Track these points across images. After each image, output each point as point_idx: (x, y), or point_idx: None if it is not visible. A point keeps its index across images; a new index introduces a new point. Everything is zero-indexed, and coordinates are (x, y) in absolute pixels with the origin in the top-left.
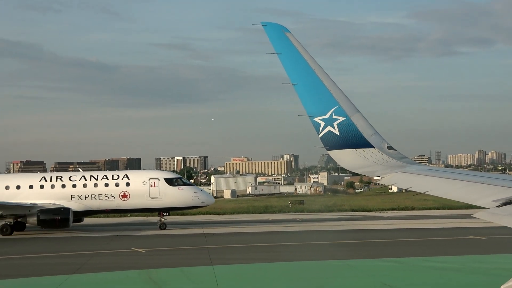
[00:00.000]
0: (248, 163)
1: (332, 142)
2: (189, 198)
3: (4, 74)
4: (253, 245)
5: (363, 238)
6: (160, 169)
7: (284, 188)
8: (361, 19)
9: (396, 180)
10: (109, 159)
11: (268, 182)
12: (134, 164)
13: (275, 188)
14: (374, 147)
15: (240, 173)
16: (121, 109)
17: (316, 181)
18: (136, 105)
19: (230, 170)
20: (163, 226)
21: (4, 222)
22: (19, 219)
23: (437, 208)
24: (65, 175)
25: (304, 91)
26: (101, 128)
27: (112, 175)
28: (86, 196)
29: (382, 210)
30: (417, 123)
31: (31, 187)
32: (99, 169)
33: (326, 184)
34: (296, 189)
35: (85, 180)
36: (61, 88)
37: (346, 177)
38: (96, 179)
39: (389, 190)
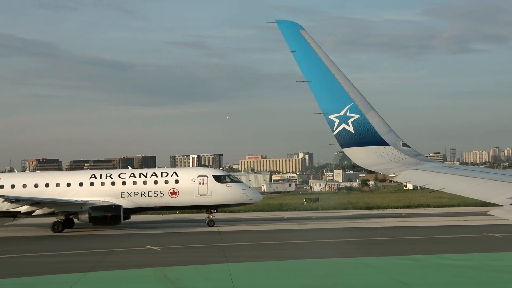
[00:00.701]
0: (263, 160)
1: (347, 140)
2: (238, 195)
3: (20, 72)
4: (268, 243)
5: (378, 236)
6: (175, 167)
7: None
8: (376, 17)
9: (411, 177)
10: (124, 157)
11: (283, 180)
12: (149, 162)
13: (290, 186)
14: (389, 145)
15: (255, 171)
16: (136, 107)
17: (331, 179)
18: (151, 103)
19: (244, 168)
20: (211, 223)
21: (55, 219)
22: (70, 216)
23: (453, 206)
24: (115, 173)
25: (319, 88)
26: (116, 126)
27: (161, 173)
28: (136, 193)
29: (397, 208)
30: (432, 121)
31: (81, 184)
32: (114, 167)
33: (341, 181)
34: (311, 186)
35: (135, 177)
36: (76, 86)
37: (361, 175)
38: (146, 177)
39: (404, 188)
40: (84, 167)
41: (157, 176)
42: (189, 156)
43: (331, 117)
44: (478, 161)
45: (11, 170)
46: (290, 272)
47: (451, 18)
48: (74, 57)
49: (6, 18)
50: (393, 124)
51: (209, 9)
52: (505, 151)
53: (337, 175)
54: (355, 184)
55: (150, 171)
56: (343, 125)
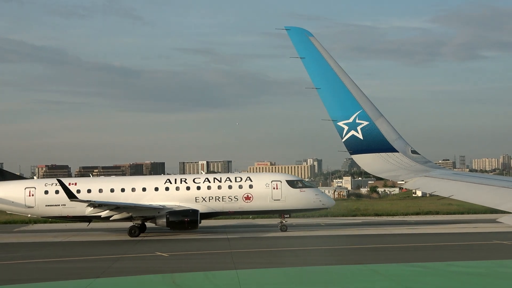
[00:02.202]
0: (272, 167)
1: (356, 146)
2: (311, 200)
3: (29, 78)
4: (276, 249)
5: (387, 243)
6: (184, 173)
7: None
8: (385, 24)
9: (420, 184)
10: (133, 163)
11: None
12: (158, 168)
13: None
14: (398, 152)
15: None
16: (144, 113)
17: (340, 186)
18: (159, 109)
19: None
20: (284, 228)
21: (132, 224)
22: (148, 221)
23: (462, 213)
24: (189, 177)
25: (328, 95)
26: (125, 132)
27: (235, 177)
28: (210, 198)
29: (406, 215)
30: (441, 128)
31: (156, 189)
32: (123, 174)
33: (349, 188)
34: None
35: (209, 182)
36: (85, 93)
37: (370, 182)
38: (220, 181)
39: (413, 195)
40: (93, 173)
41: (231, 181)
42: (198, 162)
43: (340, 123)
44: (487, 168)
45: (21, 176)
46: (298, 279)
47: (460, 25)
48: (83, 63)
49: (17, 24)
50: (402, 131)
51: (218, 15)
52: None
53: (346, 181)
54: (364, 190)
55: (224, 176)
56: (352, 132)
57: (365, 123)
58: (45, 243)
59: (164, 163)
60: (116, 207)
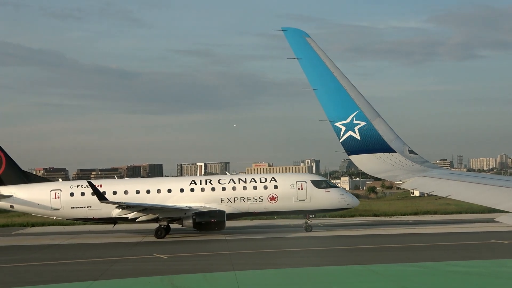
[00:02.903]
0: (269, 168)
1: (353, 147)
2: (336, 200)
3: (26, 81)
4: (274, 251)
5: (385, 243)
6: (182, 175)
7: None
8: (382, 24)
9: (418, 184)
10: (131, 165)
11: None
12: (155, 170)
13: None
14: (395, 152)
15: None
16: (142, 115)
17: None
18: (157, 111)
19: None
20: (309, 228)
21: (158, 225)
22: (174, 222)
23: (460, 212)
24: (214, 178)
25: (325, 96)
26: (122, 134)
27: (260, 178)
28: (235, 199)
29: (404, 215)
30: (438, 127)
31: (181, 190)
32: (121, 176)
33: (347, 189)
34: None
35: (234, 183)
36: (83, 95)
37: (367, 182)
38: (245, 182)
39: (411, 195)
40: (91, 176)
41: (256, 182)
42: (195, 164)
43: (338, 124)
44: (485, 168)
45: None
46: (296, 280)
47: (457, 24)
48: (80, 66)
49: (13, 27)
50: (399, 131)
51: (215, 17)
52: None
53: (344, 182)
54: (361, 191)
55: (248, 176)
56: (350, 132)
57: (363, 123)
58: (43, 246)
59: (161, 165)
60: (144, 208)
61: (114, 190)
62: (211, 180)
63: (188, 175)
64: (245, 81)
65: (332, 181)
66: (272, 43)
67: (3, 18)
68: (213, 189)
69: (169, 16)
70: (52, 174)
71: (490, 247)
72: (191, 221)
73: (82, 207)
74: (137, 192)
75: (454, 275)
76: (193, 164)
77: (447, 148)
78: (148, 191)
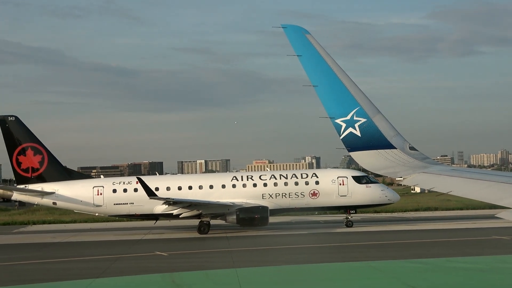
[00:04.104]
0: (270, 165)
1: (354, 144)
2: (377, 195)
3: (26, 80)
4: (275, 248)
5: (386, 239)
6: (182, 173)
7: None
8: (382, 20)
9: (419, 180)
10: (131, 163)
11: None
12: (156, 168)
13: None
14: (396, 148)
15: None
16: (142, 113)
17: None
18: (157, 109)
19: None
20: (350, 224)
21: (201, 221)
22: (217, 218)
23: (460, 209)
24: (255, 174)
25: (325, 93)
26: (123, 132)
27: (301, 174)
28: (277, 194)
29: (404, 211)
30: (439, 124)
31: (223, 186)
32: (122, 174)
33: None
34: None
35: (276, 179)
36: (83, 93)
37: None
38: (286, 178)
39: (412, 191)
40: (92, 174)
41: (297, 178)
42: (196, 161)
43: (338, 121)
44: (485, 164)
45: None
46: (298, 276)
47: (457, 21)
48: (80, 64)
49: (13, 26)
50: (400, 127)
51: (214, 14)
52: None
53: None
54: None
55: (289, 172)
56: (350, 129)
57: (363, 120)
58: (44, 244)
59: (162, 162)
60: (189, 204)
61: (157, 186)
62: (252, 176)
63: (189, 172)
64: (245, 78)
65: None
66: (272, 40)
67: (3, 16)
68: (254, 185)
69: (168, 13)
70: None
71: (491, 243)
72: (234, 217)
73: (125, 204)
74: (179, 188)
75: (455, 271)
76: (193, 161)
77: (448, 144)
78: (190, 187)
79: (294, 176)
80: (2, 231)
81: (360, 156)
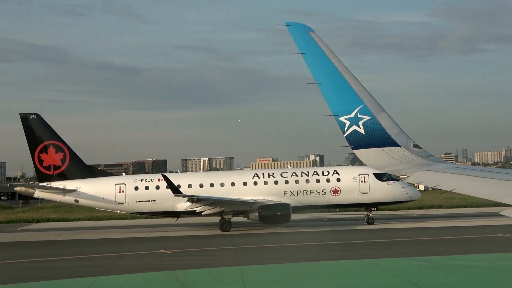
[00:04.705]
0: (274, 163)
1: (358, 141)
2: (398, 193)
3: (30, 78)
4: (279, 245)
5: (389, 237)
6: (186, 171)
7: None
8: (385, 18)
9: (423, 178)
10: (135, 161)
11: None
12: (160, 165)
13: None
14: (400, 146)
15: None
16: (145, 111)
17: None
18: (160, 107)
19: None
20: (371, 221)
21: (223, 219)
22: (240, 215)
23: (464, 206)
24: (277, 172)
25: (329, 90)
26: (126, 130)
27: (323, 171)
28: (298, 192)
29: (408, 209)
30: (443, 121)
31: (245, 183)
32: (126, 172)
33: None
34: None
35: (297, 176)
36: (86, 91)
37: None
38: (308, 175)
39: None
40: None
41: (318, 175)
42: (200, 159)
43: (342, 119)
44: (489, 162)
45: (23, 176)
46: (301, 274)
47: (460, 18)
48: (83, 62)
49: (17, 24)
50: (403, 125)
51: (217, 12)
52: None
53: None
54: None
55: (311, 170)
56: (354, 127)
57: (367, 118)
58: (48, 242)
59: (166, 160)
60: (212, 202)
61: (178, 183)
62: (273, 173)
63: (193, 170)
64: (249, 76)
65: None
66: (275, 38)
67: (6, 14)
68: (276, 182)
69: (171, 11)
70: None
71: (495, 240)
72: (257, 214)
73: (147, 201)
74: (201, 185)
75: (459, 269)
76: (197, 159)
77: (452, 142)
78: (211, 185)
79: (315, 173)
80: (7, 229)
81: (364, 154)
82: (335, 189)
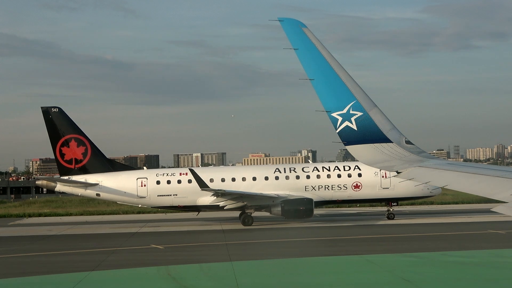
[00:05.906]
0: (266, 159)
1: (350, 137)
2: (419, 188)
3: (22, 72)
4: (271, 241)
5: (381, 233)
6: (178, 166)
7: None
8: (377, 14)
9: (415, 174)
10: (127, 156)
11: None
12: (152, 161)
13: None
14: (392, 142)
15: None
16: (138, 106)
17: None
18: (153, 102)
19: None
20: (391, 216)
21: (245, 213)
22: (262, 210)
23: (456, 203)
24: (298, 167)
25: (321, 86)
26: (119, 125)
27: (344, 166)
28: (320, 187)
29: (400, 205)
30: (435, 118)
31: (266, 178)
32: None
33: None
34: None
35: (318, 171)
36: (78, 86)
37: None
38: (329, 170)
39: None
40: None
41: (340, 170)
42: (192, 154)
43: (334, 114)
44: (481, 158)
45: (15, 170)
46: (293, 269)
47: (452, 15)
48: (75, 56)
49: (8, 18)
50: (396, 121)
51: (210, 7)
52: (509, 148)
53: None
54: None
55: (332, 165)
56: (346, 123)
57: (359, 113)
58: (40, 236)
59: (158, 155)
60: (236, 196)
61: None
62: (295, 168)
63: (185, 165)
64: (241, 71)
65: None
66: (267, 33)
67: None
68: (297, 177)
69: (164, 7)
70: (49, 165)
71: (486, 237)
72: (279, 209)
73: (168, 195)
74: (222, 180)
75: (450, 265)
76: (189, 154)
77: (444, 139)
78: (233, 179)
79: (336, 168)
80: None
81: (356, 150)
82: (357, 184)
